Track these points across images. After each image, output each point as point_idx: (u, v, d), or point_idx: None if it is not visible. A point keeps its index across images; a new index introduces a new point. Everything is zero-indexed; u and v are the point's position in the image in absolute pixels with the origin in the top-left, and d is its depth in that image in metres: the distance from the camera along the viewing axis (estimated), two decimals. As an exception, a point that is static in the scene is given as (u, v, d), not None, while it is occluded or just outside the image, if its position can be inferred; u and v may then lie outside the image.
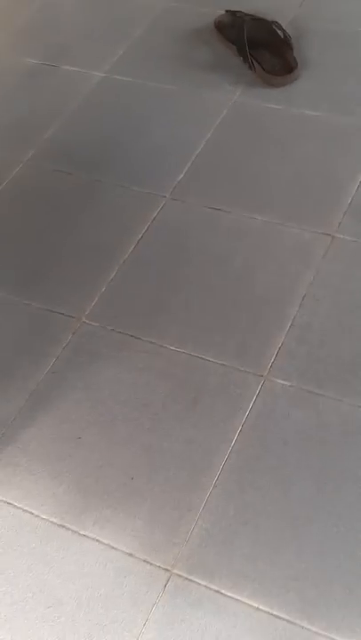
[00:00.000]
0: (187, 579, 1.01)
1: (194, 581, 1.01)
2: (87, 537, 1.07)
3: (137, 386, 1.23)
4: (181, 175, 1.59)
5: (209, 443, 1.15)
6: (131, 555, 1.04)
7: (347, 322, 1.28)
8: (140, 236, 1.47)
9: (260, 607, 0.98)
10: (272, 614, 0.97)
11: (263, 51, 1.80)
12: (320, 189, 1.51)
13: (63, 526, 1.08)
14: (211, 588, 1.00)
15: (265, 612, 0.98)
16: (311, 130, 1.65)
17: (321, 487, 1.08)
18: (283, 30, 1.84)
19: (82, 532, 1.07)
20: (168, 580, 1.01)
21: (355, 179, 1.51)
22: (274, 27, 1.84)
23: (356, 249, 1.39)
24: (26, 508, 1.10)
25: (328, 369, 1.22)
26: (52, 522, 1.09)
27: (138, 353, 1.28)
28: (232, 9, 1.92)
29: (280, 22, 1.87)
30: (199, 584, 1.01)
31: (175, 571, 1.02)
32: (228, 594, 0.99)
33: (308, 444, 1.13)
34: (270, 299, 1.34)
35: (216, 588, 1.00)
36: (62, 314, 1.35)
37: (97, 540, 1.06)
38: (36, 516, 1.09)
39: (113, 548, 1.05)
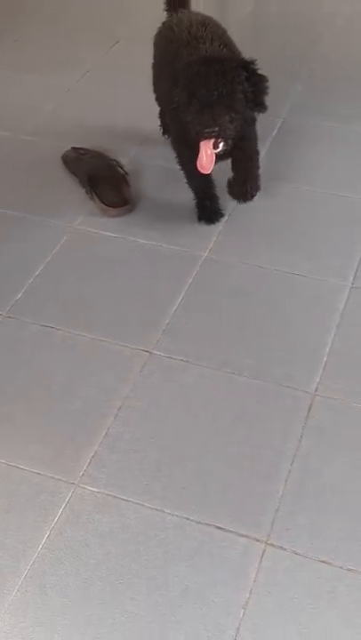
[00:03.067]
0: None
1: None
2: None
3: None
4: (19, 295, 1.72)
5: (16, 549, 1.23)
6: None
7: (153, 432, 1.41)
8: (-28, 352, 1.58)
9: None
10: None
11: (103, 184, 2.01)
12: (143, 310, 1.68)
13: None
14: None
15: None
16: (141, 256, 1.84)
17: (116, 587, 1.18)
18: (121, 167, 2.06)
19: None
20: None
21: (174, 302, 1.69)
22: (114, 163, 2.07)
23: (168, 364, 1.55)
24: None
25: (133, 475, 1.34)
26: None
27: None
28: (77, 146, 2.14)
29: (121, 158, 2.10)
30: None
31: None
32: None
33: (109, 545, 1.23)
34: (89, 410, 1.46)
35: None
36: None
37: None
38: None
39: None
